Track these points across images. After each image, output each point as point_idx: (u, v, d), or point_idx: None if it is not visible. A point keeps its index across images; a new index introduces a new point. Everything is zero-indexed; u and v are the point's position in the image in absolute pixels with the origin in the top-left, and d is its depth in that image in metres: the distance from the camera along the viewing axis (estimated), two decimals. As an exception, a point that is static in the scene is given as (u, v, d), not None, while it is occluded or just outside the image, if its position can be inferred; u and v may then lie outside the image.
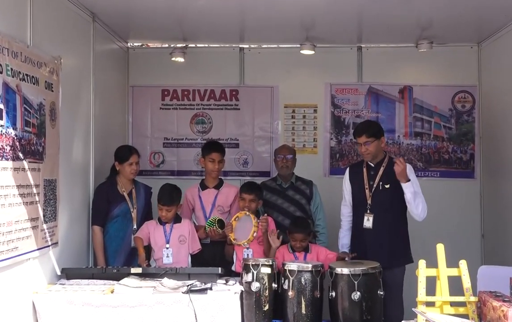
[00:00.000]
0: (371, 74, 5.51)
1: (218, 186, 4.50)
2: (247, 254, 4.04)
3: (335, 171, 5.43)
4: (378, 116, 5.50)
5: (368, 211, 4.07)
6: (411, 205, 3.95)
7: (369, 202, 4.08)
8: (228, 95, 5.60)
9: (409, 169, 4.06)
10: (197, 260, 4.21)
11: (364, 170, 4.17)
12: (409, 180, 3.92)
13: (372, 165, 4.15)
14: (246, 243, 4.00)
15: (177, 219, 4.15)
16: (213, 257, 4.28)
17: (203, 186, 4.51)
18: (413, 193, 3.92)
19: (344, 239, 4.25)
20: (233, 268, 4.11)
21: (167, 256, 4.02)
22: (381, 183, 4.07)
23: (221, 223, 4.18)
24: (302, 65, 5.50)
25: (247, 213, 4.08)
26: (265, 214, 4.19)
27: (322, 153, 5.55)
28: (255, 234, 3.98)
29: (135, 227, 4.24)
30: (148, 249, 4.12)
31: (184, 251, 4.09)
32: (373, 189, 4.08)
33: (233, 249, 4.15)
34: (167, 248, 4.04)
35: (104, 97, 4.72)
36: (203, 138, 5.54)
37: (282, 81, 5.57)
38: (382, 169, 4.11)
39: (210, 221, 4.21)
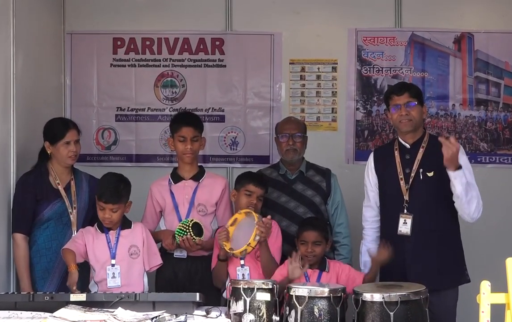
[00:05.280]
0: (415, 17, 5.52)
1: (198, 177, 4.49)
2: (242, 274, 4.06)
3: (363, 154, 5.44)
4: (425, 76, 5.53)
5: (405, 211, 4.09)
6: (462, 201, 3.96)
7: (405, 197, 4.09)
8: (209, 47, 5.60)
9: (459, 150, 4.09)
10: (166, 281, 4.23)
11: (396, 153, 4.19)
12: (460, 167, 3.91)
13: (407, 146, 4.16)
14: (244, 253, 3.99)
15: (125, 224, 4.15)
16: (191, 278, 4.31)
17: (176, 177, 4.50)
18: (465, 184, 3.92)
19: (368, 255, 4.26)
20: (224, 294, 4.11)
21: (113, 276, 4.01)
22: (421, 170, 4.08)
23: (197, 228, 4.19)
24: (315, 4, 5.50)
25: (250, 211, 4.08)
26: (268, 216, 4.13)
27: (345, 130, 5.58)
28: (257, 238, 3.96)
29: (75, 234, 4.23)
30: (87, 268, 4.10)
31: (137, 268, 4.08)
32: (410, 179, 4.10)
33: (226, 269, 4.15)
34: (113, 265, 4.03)
35: (30, 50, 4.71)
36: (173, 108, 5.55)
37: (287, 26, 5.58)
38: (421, 150, 4.12)
39: (181, 225, 4.21)
